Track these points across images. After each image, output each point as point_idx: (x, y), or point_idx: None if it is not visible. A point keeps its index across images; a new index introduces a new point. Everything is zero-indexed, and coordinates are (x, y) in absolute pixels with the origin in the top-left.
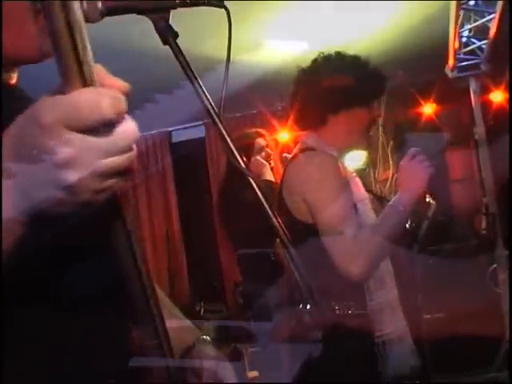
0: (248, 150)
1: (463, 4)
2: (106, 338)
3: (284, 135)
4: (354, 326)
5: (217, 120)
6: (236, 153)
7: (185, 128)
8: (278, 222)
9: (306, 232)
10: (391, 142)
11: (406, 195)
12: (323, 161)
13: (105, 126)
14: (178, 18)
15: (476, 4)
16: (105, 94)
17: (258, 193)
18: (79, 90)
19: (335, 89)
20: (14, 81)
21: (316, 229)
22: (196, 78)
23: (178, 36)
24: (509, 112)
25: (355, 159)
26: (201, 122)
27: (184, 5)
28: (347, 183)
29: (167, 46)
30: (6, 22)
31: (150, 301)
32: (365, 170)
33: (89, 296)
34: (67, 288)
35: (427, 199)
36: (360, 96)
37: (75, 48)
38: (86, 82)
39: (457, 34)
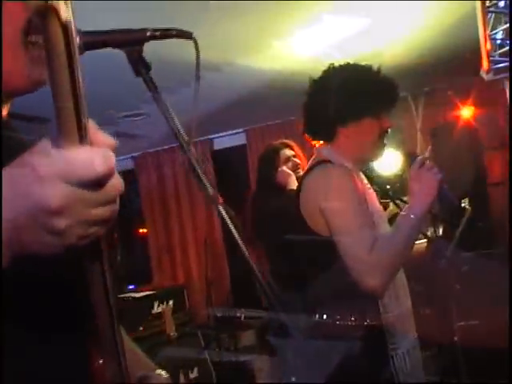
0: (275, 161)
1: (492, 6)
2: (68, 365)
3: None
4: (369, 336)
5: (184, 145)
6: (204, 180)
7: (226, 136)
8: (245, 251)
9: (322, 243)
10: (429, 147)
11: (417, 204)
12: (338, 173)
13: (97, 181)
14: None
15: (505, 6)
16: (98, 153)
17: (228, 222)
18: (76, 148)
19: (343, 99)
20: (5, 112)
21: (331, 240)
22: (167, 109)
23: (150, 68)
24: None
25: (391, 165)
26: (241, 130)
27: (154, 37)
28: (363, 195)
29: None
30: None
31: (116, 334)
32: (401, 175)
33: (55, 324)
34: (34, 315)
35: (462, 204)
36: (369, 106)
37: (77, 106)
38: (82, 139)
39: (487, 37)
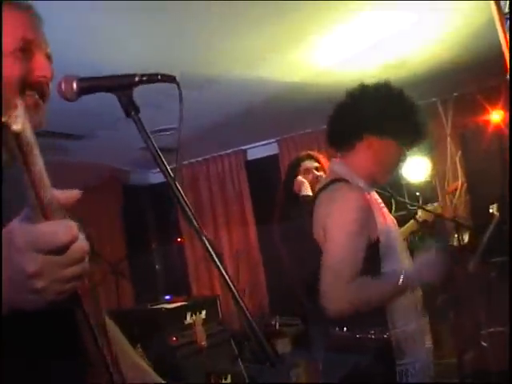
0: (295, 171)
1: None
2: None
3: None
4: (376, 350)
5: (166, 174)
6: (186, 206)
7: (258, 146)
8: (228, 277)
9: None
10: (459, 152)
11: (414, 276)
12: (348, 197)
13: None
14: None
15: None
16: (61, 224)
17: (208, 246)
18: (42, 222)
19: (374, 113)
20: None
21: None
22: (156, 150)
23: (139, 110)
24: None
25: (420, 173)
26: (274, 140)
27: (142, 82)
28: (367, 223)
29: None
30: None
31: (102, 349)
32: (431, 182)
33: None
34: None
35: (491, 210)
36: (397, 129)
37: (41, 201)
38: (46, 214)
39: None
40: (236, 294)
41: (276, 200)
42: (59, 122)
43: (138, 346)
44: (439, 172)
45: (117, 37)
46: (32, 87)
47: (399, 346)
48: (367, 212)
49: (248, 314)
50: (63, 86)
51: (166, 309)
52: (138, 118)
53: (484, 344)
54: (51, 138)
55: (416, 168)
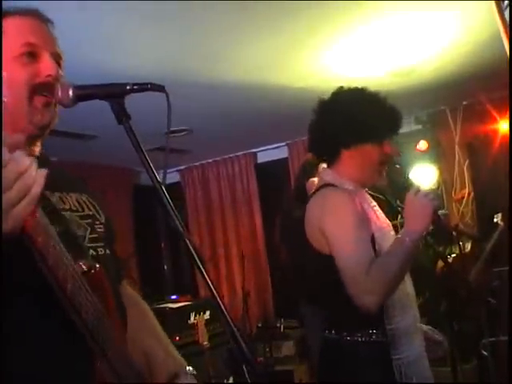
0: (311, 173)
1: None
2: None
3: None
4: (374, 352)
5: (153, 178)
6: (175, 216)
7: (269, 149)
8: (212, 284)
9: (326, 262)
10: (467, 161)
11: (412, 228)
12: (339, 196)
13: None
14: None
15: None
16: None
17: (192, 252)
18: None
19: (348, 123)
20: (36, 153)
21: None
22: (146, 158)
23: (130, 118)
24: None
25: (427, 180)
26: (284, 143)
27: (133, 91)
28: (363, 218)
29: None
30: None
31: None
32: (437, 189)
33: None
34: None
35: (495, 219)
36: (372, 132)
37: None
38: None
39: None
40: (217, 297)
41: (283, 198)
42: (71, 122)
43: None
44: (447, 180)
45: (128, 43)
46: (41, 89)
47: (394, 341)
48: (359, 209)
49: (229, 319)
50: (60, 93)
51: (170, 308)
52: (128, 126)
53: (485, 353)
54: (63, 138)
55: (423, 176)
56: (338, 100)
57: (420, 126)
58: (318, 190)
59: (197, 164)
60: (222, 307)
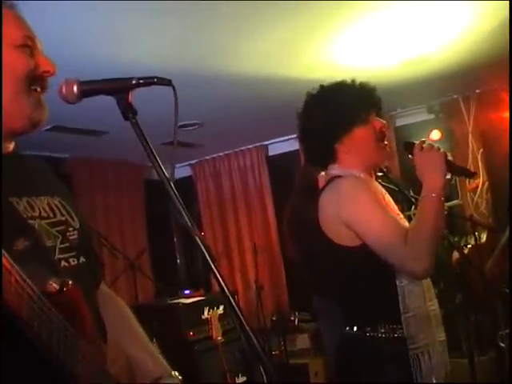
0: None
1: None
2: None
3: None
4: (397, 348)
5: (161, 174)
6: (182, 211)
7: (280, 142)
8: (224, 283)
9: (347, 256)
10: (481, 149)
11: (431, 183)
12: (352, 182)
13: None
14: None
15: None
16: None
17: (204, 250)
18: None
19: (328, 118)
20: (10, 149)
21: (357, 251)
22: (153, 154)
23: (136, 113)
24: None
25: None
26: (295, 136)
27: (139, 85)
28: (381, 196)
29: None
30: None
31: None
32: (450, 180)
33: None
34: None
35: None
36: (353, 116)
37: None
38: None
39: None
40: (229, 297)
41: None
42: (81, 118)
43: (154, 340)
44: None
45: (135, 38)
46: (37, 82)
47: (411, 330)
48: (375, 189)
49: (242, 319)
50: (64, 88)
51: (184, 304)
52: (135, 121)
53: (502, 345)
54: (74, 135)
55: None
56: (313, 101)
57: (433, 116)
58: (327, 184)
59: (208, 158)
60: (235, 307)
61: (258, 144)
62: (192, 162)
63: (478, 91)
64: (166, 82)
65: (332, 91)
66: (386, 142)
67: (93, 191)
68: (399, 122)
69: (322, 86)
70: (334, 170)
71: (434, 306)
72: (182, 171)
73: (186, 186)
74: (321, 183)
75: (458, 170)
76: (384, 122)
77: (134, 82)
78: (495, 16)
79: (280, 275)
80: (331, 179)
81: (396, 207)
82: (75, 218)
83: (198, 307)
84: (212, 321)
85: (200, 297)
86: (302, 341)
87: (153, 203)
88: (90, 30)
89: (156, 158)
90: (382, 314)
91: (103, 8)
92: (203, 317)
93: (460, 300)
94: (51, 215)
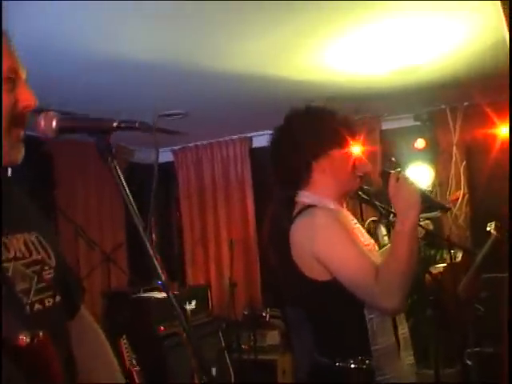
0: None
1: None
2: None
3: (357, 149)
4: (360, 378)
5: (143, 235)
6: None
7: (265, 135)
8: (182, 307)
9: (317, 290)
10: (464, 162)
11: (406, 217)
12: (325, 214)
13: None
14: None
15: None
16: None
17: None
18: None
19: (310, 134)
20: None
21: (327, 285)
22: (128, 197)
23: (115, 157)
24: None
25: (421, 182)
26: None
27: (119, 128)
28: (352, 231)
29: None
30: None
31: None
32: (431, 191)
33: None
34: None
35: (488, 228)
36: (333, 137)
37: None
38: None
39: None
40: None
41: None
42: (67, 100)
43: (124, 337)
44: (442, 179)
45: (131, 33)
46: (17, 120)
47: (379, 362)
48: (346, 222)
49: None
50: (43, 122)
51: (156, 298)
52: (114, 165)
53: (468, 362)
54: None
55: (419, 175)
56: (290, 123)
57: (419, 123)
58: (299, 212)
59: (191, 145)
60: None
61: (242, 135)
62: (175, 147)
63: (465, 104)
64: (146, 127)
65: (315, 110)
66: (360, 174)
67: (73, 174)
68: (385, 126)
69: (305, 106)
70: (307, 197)
71: (403, 329)
72: (165, 156)
73: (168, 171)
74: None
75: (433, 204)
76: (360, 157)
77: (115, 124)
78: (489, 33)
79: (254, 270)
80: (303, 208)
81: (368, 236)
82: (52, 255)
83: (169, 302)
84: None
85: (173, 291)
86: (272, 337)
87: (133, 186)
88: (86, 25)
89: (133, 206)
90: (352, 346)
91: (97, 3)
92: (175, 312)
93: (430, 313)
94: (27, 255)
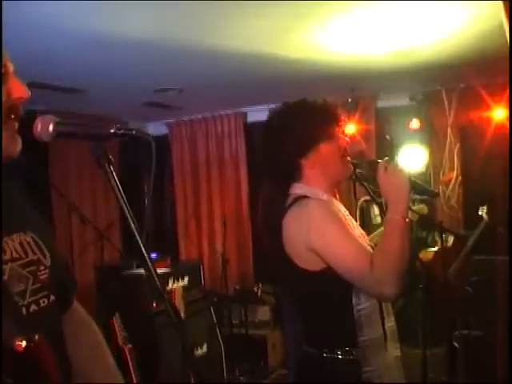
0: None
1: None
2: None
3: (351, 127)
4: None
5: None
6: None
7: (260, 110)
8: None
9: (308, 280)
10: (458, 144)
11: (396, 205)
12: (319, 205)
13: None
14: None
15: None
16: None
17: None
18: None
19: (295, 133)
20: None
21: (317, 275)
22: (126, 204)
23: (112, 163)
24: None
25: (415, 163)
26: (275, 105)
27: (116, 135)
28: (345, 219)
29: None
30: None
31: None
32: (425, 173)
33: None
34: None
35: (479, 212)
36: (318, 132)
37: None
38: None
39: None
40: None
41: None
42: (59, 75)
43: (117, 314)
44: (436, 160)
45: (128, 10)
46: (12, 112)
47: (365, 353)
48: (338, 212)
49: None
50: (39, 126)
51: (148, 275)
52: (110, 171)
53: (456, 344)
54: (53, 91)
55: (413, 156)
56: (273, 121)
57: (414, 103)
58: (292, 203)
59: (185, 119)
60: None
61: (236, 110)
62: (169, 121)
63: (461, 86)
64: (144, 136)
65: (297, 108)
66: (348, 158)
67: (67, 152)
68: (380, 104)
69: (285, 103)
70: (299, 188)
71: (391, 322)
72: (159, 129)
73: (162, 144)
74: None
75: (422, 190)
76: (347, 139)
77: (112, 131)
78: (487, 17)
79: (247, 245)
80: (297, 198)
81: (359, 227)
82: (47, 255)
83: (162, 278)
84: (175, 294)
85: (166, 267)
86: (263, 313)
87: (127, 162)
88: (83, 3)
89: (129, 212)
90: (340, 336)
91: None
92: (167, 288)
93: (420, 296)
94: (23, 255)
